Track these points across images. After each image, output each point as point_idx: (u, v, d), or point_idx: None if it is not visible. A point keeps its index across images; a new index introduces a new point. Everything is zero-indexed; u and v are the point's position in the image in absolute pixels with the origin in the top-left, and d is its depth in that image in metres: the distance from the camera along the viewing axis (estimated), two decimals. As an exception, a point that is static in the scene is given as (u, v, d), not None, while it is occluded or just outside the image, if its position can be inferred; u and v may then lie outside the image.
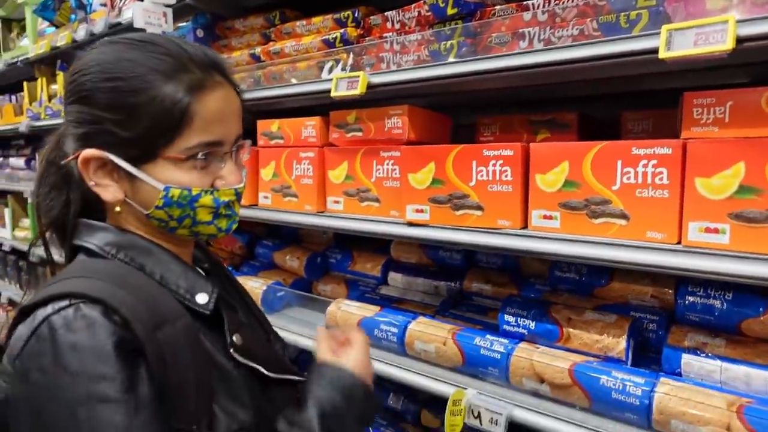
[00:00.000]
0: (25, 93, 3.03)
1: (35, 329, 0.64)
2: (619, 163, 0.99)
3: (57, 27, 2.69)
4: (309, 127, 1.55)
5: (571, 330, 1.16)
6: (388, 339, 1.40)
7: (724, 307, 1.01)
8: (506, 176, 1.14)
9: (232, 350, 0.76)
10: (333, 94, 1.37)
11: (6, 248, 3.53)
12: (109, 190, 0.76)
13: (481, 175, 1.17)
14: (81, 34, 2.37)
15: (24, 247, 3.22)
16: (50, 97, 2.81)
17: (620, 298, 1.25)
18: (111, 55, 0.74)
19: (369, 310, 1.48)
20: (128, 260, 0.76)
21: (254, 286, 1.80)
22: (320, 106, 1.58)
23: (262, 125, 1.68)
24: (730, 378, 0.97)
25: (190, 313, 0.74)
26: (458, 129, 1.54)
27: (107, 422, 0.60)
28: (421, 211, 1.27)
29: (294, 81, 1.57)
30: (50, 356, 0.62)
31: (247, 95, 1.70)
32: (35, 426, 0.62)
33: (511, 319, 1.24)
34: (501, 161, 1.14)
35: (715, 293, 1.02)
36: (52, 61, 2.76)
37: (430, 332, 1.32)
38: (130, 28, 1.96)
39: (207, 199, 0.77)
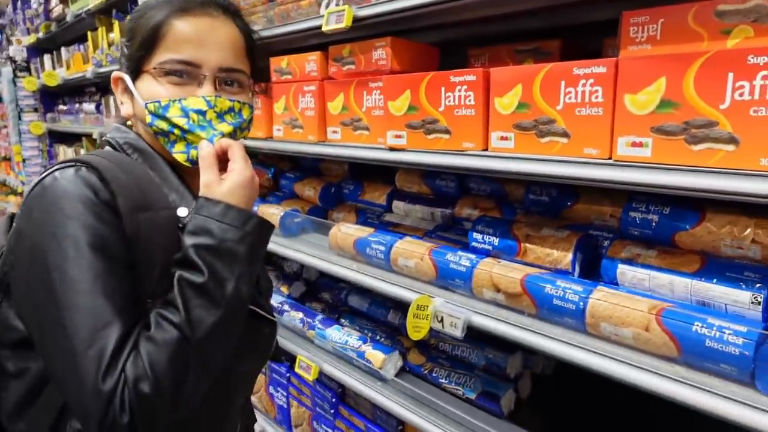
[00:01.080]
0: (89, 42, 3.32)
1: (42, 179, 0.78)
2: (563, 83, 1.05)
3: (111, -22, 2.92)
4: (311, 62, 1.66)
5: (527, 245, 1.24)
6: (377, 256, 1.54)
7: (660, 221, 1.06)
8: (470, 101, 1.21)
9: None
10: (324, 28, 1.47)
11: (83, 185, 3.95)
12: (124, 107, 0.94)
13: (449, 101, 1.25)
14: (128, -17, 2.58)
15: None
16: (109, 45, 3.07)
17: (584, 219, 1.31)
18: None
19: (364, 231, 1.62)
20: (141, 161, 0.90)
21: (273, 212, 1.99)
22: (327, 43, 1.69)
23: (274, 62, 1.81)
24: (657, 285, 1.03)
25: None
26: (453, 61, 1.60)
27: (82, 259, 0.72)
28: (399, 136, 1.37)
29: (298, 18, 1.68)
30: (49, 198, 0.76)
31: (262, 33, 1.83)
32: (32, 256, 0.75)
33: (478, 236, 1.34)
34: (465, 86, 1.21)
35: (654, 208, 1.07)
36: (108, 11, 3.01)
37: (412, 249, 1.45)
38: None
39: (175, 108, 0.86)
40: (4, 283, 0.82)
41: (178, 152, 0.90)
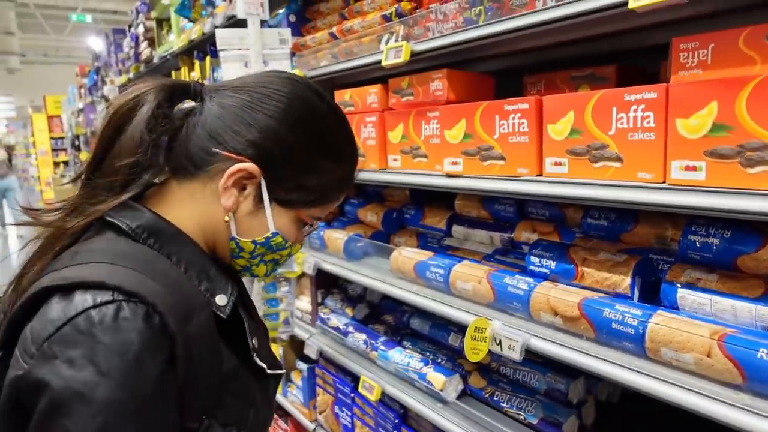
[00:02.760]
0: (173, 81, 3.61)
1: (72, 318, 0.62)
2: (614, 109, 1.06)
3: (193, 22, 3.18)
4: (372, 94, 1.76)
5: (585, 269, 1.25)
6: (436, 279, 1.58)
7: (722, 245, 1.04)
8: (523, 128, 1.25)
9: (254, 354, 0.80)
10: (384, 63, 1.56)
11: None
12: (231, 199, 0.78)
13: (503, 128, 1.29)
14: (208, 27, 2.80)
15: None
16: (190, 83, 3.33)
17: (644, 243, 1.30)
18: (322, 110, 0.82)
19: (423, 255, 1.67)
20: (157, 247, 0.74)
21: (338, 236, 2.08)
22: (388, 76, 1.78)
23: (337, 95, 1.92)
24: (719, 310, 1.01)
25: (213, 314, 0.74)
26: (509, 89, 1.64)
27: None
28: (456, 163, 1.42)
29: (360, 54, 1.78)
30: (84, 350, 0.61)
31: (327, 69, 1.95)
32: (49, 411, 0.60)
33: (536, 260, 1.36)
34: (519, 114, 1.25)
35: (715, 231, 1.05)
36: (190, 53, 3.27)
37: (470, 272, 1.48)
38: (240, 20, 2.31)
39: (286, 251, 0.85)
40: None
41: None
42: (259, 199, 0.79)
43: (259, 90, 0.79)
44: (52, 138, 13.99)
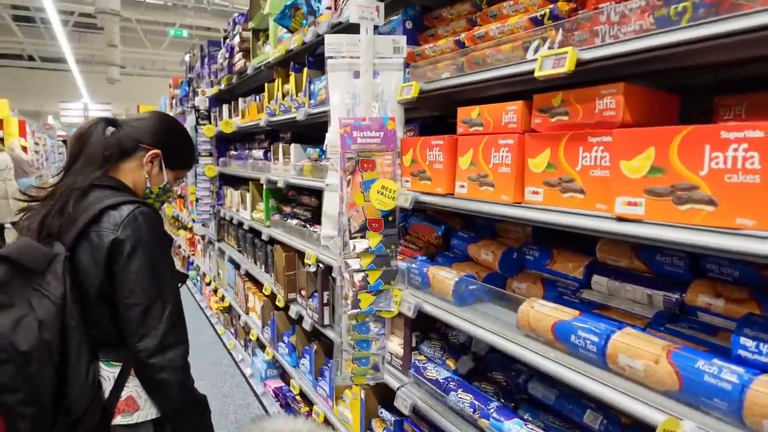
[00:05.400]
0: (266, 93, 3.49)
1: (130, 213, 1.44)
2: None
3: (292, 32, 3.04)
4: (510, 112, 1.46)
5: (841, 368, 0.88)
6: (586, 348, 1.24)
7: None
8: (752, 164, 0.91)
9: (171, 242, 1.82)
10: (537, 74, 1.26)
11: (245, 227, 4.14)
12: (148, 167, 1.62)
13: (716, 163, 0.96)
14: (309, 36, 2.63)
15: (259, 227, 3.73)
16: (283, 95, 3.18)
17: None
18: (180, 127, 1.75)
19: (566, 313, 1.34)
20: (127, 193, 1.56)
21: (446, 276, 1.78)
22: (523, 92, 1.49)
23: (462, 112, 1.64)
24: None
25: None
26: (689, 114, 1.30)
27: (163, 260, 1.49)
28: (635, 204, 1.10)
29: (497, 64, 1.49)
30: (137, 224, 1.43)
31: (448, 82, 1.68)
32: (129, 252, 1.40)
33: (749, 343, 1.00)
34: (745, 145, 0.92)
35: None
36: (286, 64, 3.13)
37: (639, 346, 1.14)
38: (348, 26, 2.10)
39: (170, 193, 1.75)
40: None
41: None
42: (160, 167, 1.64)
43: (153, 118, 1.68)
44: (141, 145, 14.64)
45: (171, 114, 7.86)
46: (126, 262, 1.39)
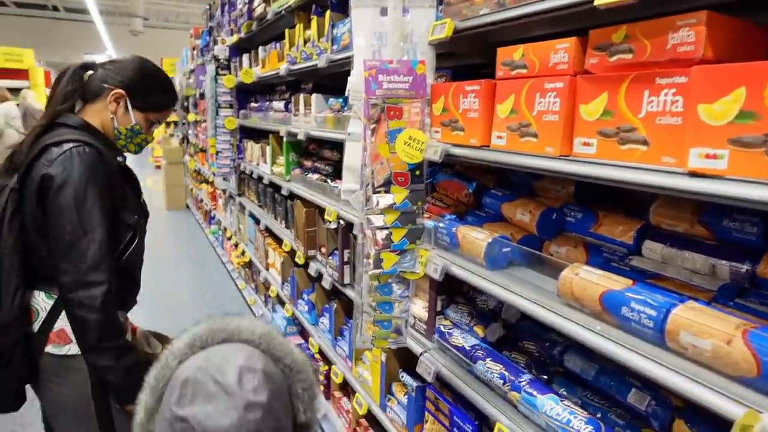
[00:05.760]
0: (286, 40, 3.29)
1: (67, 150, 1.46)
2: None
3: (314, -28, 2.81)
4: (560, 51, 1.27)
5: None
6: (640, 322, 1.09)
7: None
8: None
9: (133, 182, 1.74)
10: (598, 2, 1.06)
11: (265, 181, 4.02)
12: (113, 107, 1.64)
13: (831, 106, 0.77)
14: (332, -27, 2.42)
15: (279, 181, 3.60)
16: (305, 41, 2.99)
17: None
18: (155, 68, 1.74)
19: (616, 282, 1.18)
20: (87, 132, 1.57)
21: (478, 237, 1.63)
22: (571, 32, 1.29)
23: (502, 53, 1.45)
24: None
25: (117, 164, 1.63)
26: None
27: (93, 199, 1.45)
28: (715, 156, 0.92)
29: (547, -5, 1.29)
30: (70, 162, 1.45)
31: (488, 18, 1.49)
32: (56, 189, 1.43)
33: None
34: None
35: None
36: (308, 8, 2.92)
37: (707, 323, 0.98)
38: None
39: (143, 136, 1.72)
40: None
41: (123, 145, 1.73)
42: (126, 108, 1.65)
43: (126, 60, 1.69)
44: (165, 98, 14.57)
45: (191, 65, 7.73)
46: (53, 197, 1.43)
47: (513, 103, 1.40)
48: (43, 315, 1.55)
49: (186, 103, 8.35)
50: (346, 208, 2.54)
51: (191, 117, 7.66)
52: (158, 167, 13.06)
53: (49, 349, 1.55)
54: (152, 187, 11.83)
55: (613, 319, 1.16)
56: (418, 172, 1.72)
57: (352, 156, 1.84)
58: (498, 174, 1.97)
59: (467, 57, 1.98)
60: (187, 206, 9.51)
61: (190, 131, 8.17)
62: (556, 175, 1.26)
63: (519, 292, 1.42)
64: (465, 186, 1.95)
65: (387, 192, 1.70)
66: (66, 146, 1.46)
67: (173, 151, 9.45)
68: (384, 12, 1.71)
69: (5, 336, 1.49)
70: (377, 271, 1.73)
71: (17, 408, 1.61)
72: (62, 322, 1.54)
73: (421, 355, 1.88)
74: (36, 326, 1.55)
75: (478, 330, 1.77)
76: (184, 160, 9.24)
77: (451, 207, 1.95)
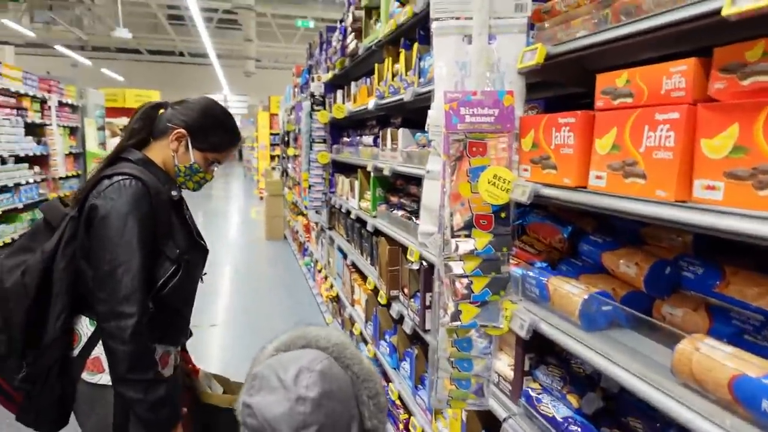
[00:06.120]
0: (375, 74, 3.26)
1: (115, 182, 1.52)
2: None
3: (404, 5, 2.76)
4: (675, 75, 1.05)
5: None
6: (789, 423, 0.83)
7: None
8: None
9: (186, 216, 1.73)
10: (727, 11, 0.85)
11: (353, 216, 3.97)
12: (174, 145, 1.70)
13: None
14: (419, 5, 2.34)
15: (365, 216, 3.53)
16: (393, 75, 2.93)
17: None
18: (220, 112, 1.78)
19: (752, 365, 0.92)
20: (143, 166, 1.63)
21: (573, 291, 1.41)
22: (686, 54, 1.07)
23: (603, 80, 1.25)
24: None
25: (169, 198, 1.65)
26: None
27: (132, 231, 1.49)
28: None
29: (656, 10, 1.09)
30: (121, 194, 1.51)
31: (586, 41, 1.30)
32: (102, 222, 1.49)
33: None
34: None
35: None
36: (397, 41, 2.86)
37: None
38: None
39: (201, 174, 1.77)
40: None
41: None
42: (186, 147, 1.71)
43: (195, 102, 1.75)
44: (271, 134, 15.45)
45: (293, 101, 8.04)
46: (97, 227, 1.49)
47: (615, 138, 1.19)
48: (84, 340, 1.59)
49: (287, 138, 8.70)
50: (430, 248, 2.39)
51: (290, 151, 7.94)
52: (261, 198, 13.72)
53: (85, 375, 1.59)
54: (255, 217, 12.42)
55: (748, 413, 0.90)
56: (503, 215, 1.54)
57: (430, 195, 1.69)
58: (598, 217, 1.72)
59: (562, 86, 1.78)
60: (285, 237, 9.82)
61: (289, 165, 8.47)
62: (671, 225, 1.03)
63: (621, 362, 1.18)
64: (559, 230, 1.73)
65: (468, 236, 1.54)
66: (117, 178, 1.53)
67: (274, 183, 9.85)
68: (468, 40, 1.57)
69: (45, 355, 1.54)
70: (455, 324, 1.55)
71: (56, 430, 1.67)
72: (99, 350, 1.57)
73: (504, 421, 1.65)
74: (76, 351, 1.60)
75: (572, 399, 1.52)
76: (283, 192, 9.59)
77: (542, 253, 1.73)
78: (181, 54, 24.50)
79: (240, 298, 6.39)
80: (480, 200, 1.53)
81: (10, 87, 6.54)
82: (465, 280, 1.55)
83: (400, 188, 3.39)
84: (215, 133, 1.75)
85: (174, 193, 1.67)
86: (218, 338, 5.11)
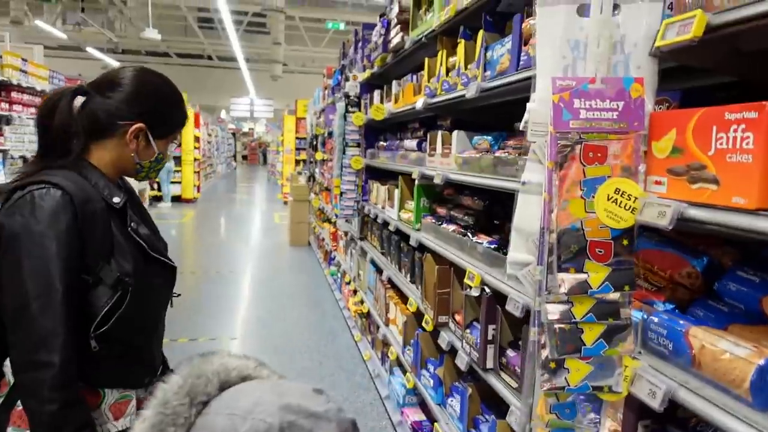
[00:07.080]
0: (425, 70, 2.90)
1: (27, 193, 1.20)
2: None
3: (464, -11, 2.40)
4: None
5: None
6: None
7: None
8: None
9: (129, 229, 1.33)
10: None
11: (391, 228, 3.61)
12: (133, 143, 1.37)
13: None
14: (490, -16, 1.98)
15: (406, 229, 3.17)
16: (448, 70, 2.56)
17: None
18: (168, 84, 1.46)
19: None
20: (78, 172, 1.29)
21: (735, 352, 1.01)
22: None
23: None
24: None
25: (108, 207, 1.29)
26: None
27: (48, 254, 1.16)
28: None
29: None
30: (38, 208, 1.18)
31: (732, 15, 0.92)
32: (8, 239, 1.18)
33: None
34: None
35: None
36: (454, 31, 2.50)
37: None
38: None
39: (164, 161, 1.48)
40: None
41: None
42: (147, 140, 1.38)
43: (132, 83, 1.35)
44: (297, 138, 15.22)
45: (322, 104, 7.70)
46: (5, 251, 1.18)
47: (840, 140, 0.80)
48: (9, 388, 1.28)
49: (315, 142, 8.40)
50: (495, 272, 2.01)
51: (318, 155, 7.64)
52: (285, 203, 13.47)
53: (9, 431, 1.26)
54: (278, 222, 12.15)
55: None
56: (625, 242, 1.17)
57: (525, 214, 1.31)
58: (739, 245, 1.33)
59: (699, 75, 1.39)
60: (309, 243, 9.51)
61: (316, 170, 8.16)
62: None
63: None
64: (686, 260, 1.33)
65: (578, 270, 1.16)
66: (28, 188, 1.20)
67: (300, 188, 9.56)
68: (584, 11, 1.20)
69: None
70: (560, 384, 1.17)
71: None
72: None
73: None
74: (0, 399, 1.27)
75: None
76: (309, 197, 9.30)
77: (663, 291, 1.34)
78: (210, 57, 24.55)
79: (263, 309, 6.06)
80: (596, 222, 1.15)
81: (36, 86, 6.37)
82: (571, 328, 1.17)
83: (449, 198, 3.01)
84: (175, 113, 1.45)
85: (116, 199, 1.31)
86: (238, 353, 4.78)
